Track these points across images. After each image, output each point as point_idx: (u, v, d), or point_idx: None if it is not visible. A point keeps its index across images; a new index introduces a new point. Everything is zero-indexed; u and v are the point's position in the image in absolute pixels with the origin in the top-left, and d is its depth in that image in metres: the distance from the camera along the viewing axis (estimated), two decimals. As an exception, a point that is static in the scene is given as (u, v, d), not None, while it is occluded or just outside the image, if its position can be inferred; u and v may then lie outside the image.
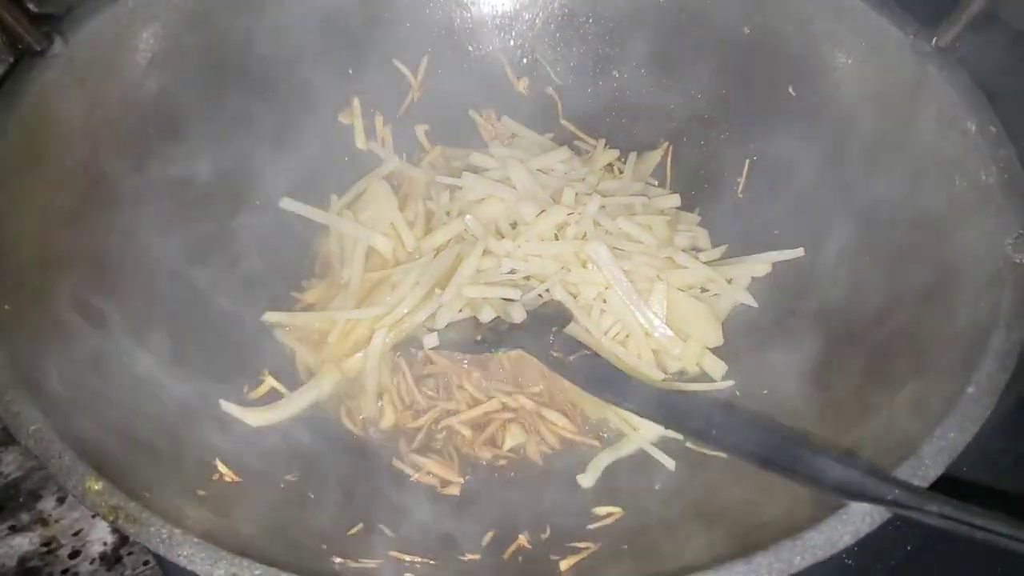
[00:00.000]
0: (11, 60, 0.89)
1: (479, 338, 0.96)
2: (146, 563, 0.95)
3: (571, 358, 0.92)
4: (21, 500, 0.98)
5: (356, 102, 1.13)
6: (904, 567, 0.89)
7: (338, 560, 0.76)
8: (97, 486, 0.64)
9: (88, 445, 0.68)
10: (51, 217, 0.85)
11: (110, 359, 0.81)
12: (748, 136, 1.08)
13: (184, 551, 0.62)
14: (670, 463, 0.91)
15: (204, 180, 1.00)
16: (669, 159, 1.14)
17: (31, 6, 1.13)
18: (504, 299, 0.98)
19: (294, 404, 0.94)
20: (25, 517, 0.97)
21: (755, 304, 1.02)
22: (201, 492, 0.78)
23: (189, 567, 0.63)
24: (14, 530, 0.96)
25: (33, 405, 0.68)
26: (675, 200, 1.09)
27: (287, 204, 1.06)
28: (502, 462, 0.95)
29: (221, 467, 0.82)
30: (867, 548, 0.87)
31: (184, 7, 0.97)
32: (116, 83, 0.94)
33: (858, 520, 0.64)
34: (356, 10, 1.09)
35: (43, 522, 0.97)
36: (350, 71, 1.12)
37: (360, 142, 1.14)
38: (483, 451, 0.94)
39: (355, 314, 0.99)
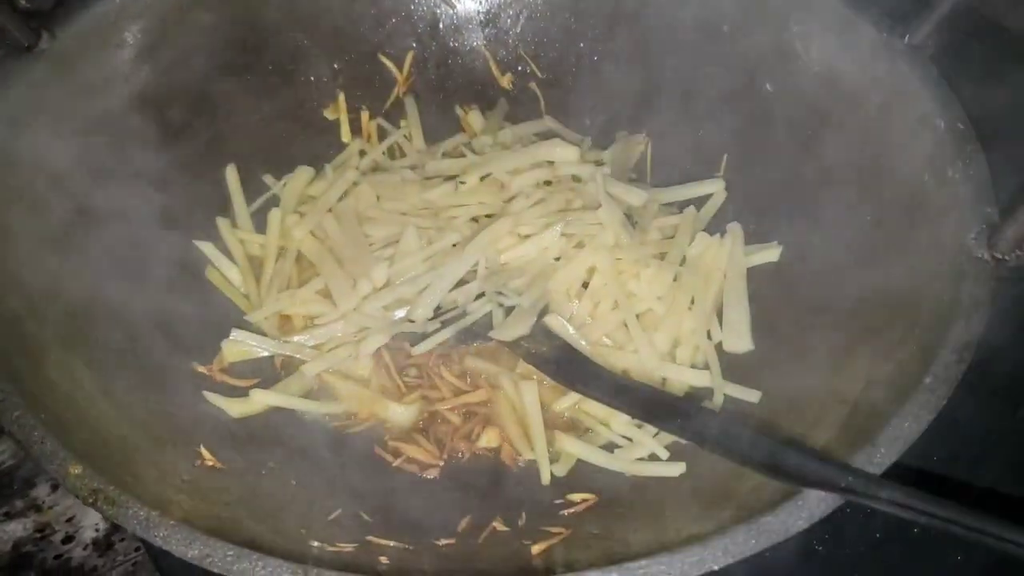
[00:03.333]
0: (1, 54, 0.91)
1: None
2: (137, 549, 0.97)
3: (544, 349, 0.94)
4: (15, 487, 1.00)
5: (341, 97, 1.15)
6: (871, 554, 0.91)
7: (316, 544, 0.78)
8: (77, 470, 0.67)
9: (71, 431, 0.71)
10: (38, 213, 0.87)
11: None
12: (727, 131, 1.09)
13: (160, 532, 0.65)
14: (664, 453, 0.91)
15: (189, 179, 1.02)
16: (649, 153, 1.15)
17: (22, 1, 1.15)
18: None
19: (274, 396, 0.95)
20: (19, 504, 0.99)
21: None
22: (186, 477, 0.80)
23: (165, 548, 0.65)
24: (8, 516, 0.98)
25: (17, 392, 0.70)
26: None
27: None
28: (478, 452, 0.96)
29: (204, 453, 0.84)
30: (835, 534, 0.90)
31: (171, 3, 0.99)
32: (103, 78, 0.96)
33: (812, 506, 0.66)
34: (342, 6, 1.11)
35: (37, 508, 0.99)
36: (336, 66, 1.14)
37: (346, 137, 1.16)
38: (460, 444, 0.96)
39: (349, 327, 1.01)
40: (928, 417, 0.70)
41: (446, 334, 0.98)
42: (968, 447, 0.91)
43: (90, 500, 0.65)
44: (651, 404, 0.82)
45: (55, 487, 1.01)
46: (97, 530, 0.98)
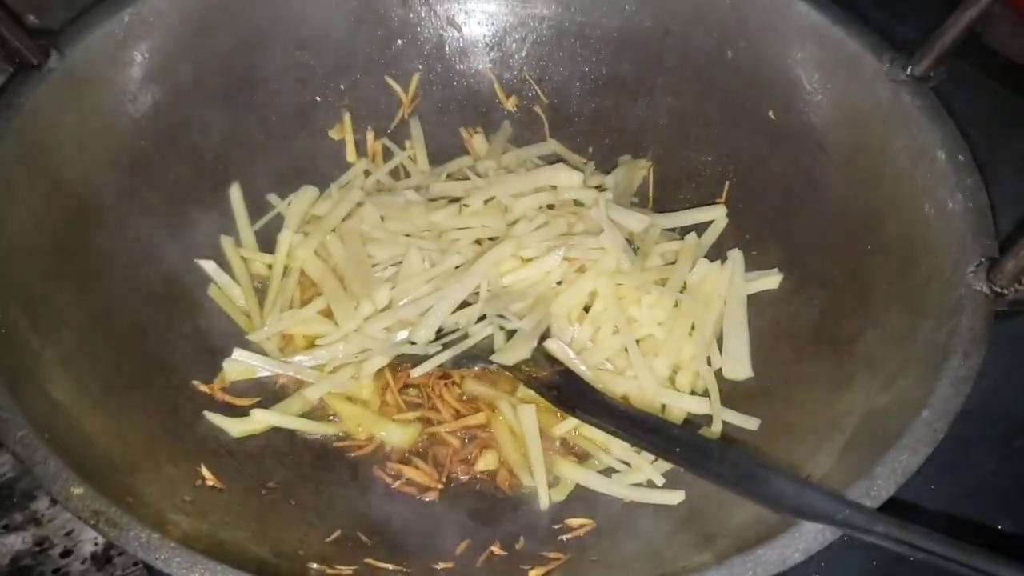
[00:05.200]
0: (10, 72, 0.91)
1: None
2: (136, 564, 0.97)
3: (544, 373, 0.94)
4: (15, 500, 1.00)
5: (347, 118, 1.16)
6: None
7: (314, 566, 0.78)
8: (79, 490, 0.67)
9: (74, 451, 0.71)
10: (44, 229, 0.87)
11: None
12: (729, 158, 1.10)
13: (161, 555, 0.65)
14: (660, 480, 0.92)
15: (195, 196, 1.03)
16: (651, 178, 1.16)
17: (31, 17, 1.16)
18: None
19: (275, 416, 0.96)
20: (18, 517, 0.99)
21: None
22: (187, 497, 0.81)
23: (167, 570, 0.65)
24: (7, 529, 0.98)
25: (20, 411, 0.70)
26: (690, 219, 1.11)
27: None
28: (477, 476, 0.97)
29: (205, 472, 0.85)
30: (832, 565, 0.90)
31: (179, 22, 0.99)
32: (111, 97, 0.96)
33: (809, 538, 0.66)
34: (348, 27, 1.11)
35: (36, 522, 0.99)
36: (342, 87, 1.14)
37: (351, 157, 1.16)
38: (458, 468, 0.96)
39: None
40: (926, 450, 0.70)
41: (447, 355, 0.98)
42: (965, 481, 0.91)
43: (92, 521, 0.66)
44: (650, 432, 0.82)
45: (55, 501, 1.00)
46: (96, 544, 0.98)
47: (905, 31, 0.98)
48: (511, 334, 0.98)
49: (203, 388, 0.96)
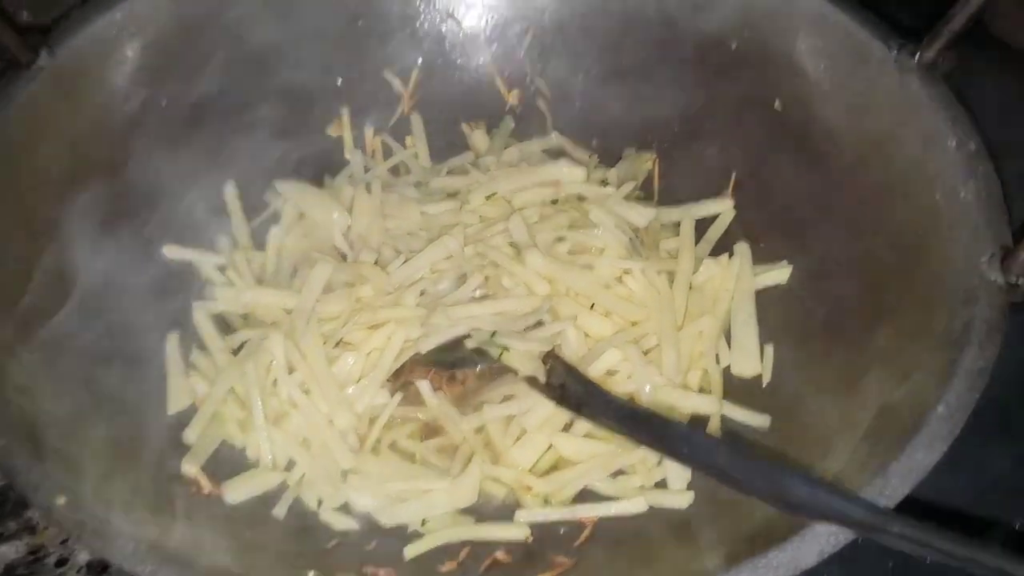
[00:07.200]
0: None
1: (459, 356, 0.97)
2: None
3: (549, 372, 0.92)
4: (9, 508, 0.99)
5: (345, 114, 1.14)
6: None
7: (312, 573, 0.77)
8: (62, 501, 0.65)
9: (57, 458, 0.69)
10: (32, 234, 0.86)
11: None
12: (735, 149, 1.08)
13: (148, 567, 0.63)
14: (678, 482, 0.90)
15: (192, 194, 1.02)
16: (656, 171, 1.14)
17: (25, 14, 1.14)
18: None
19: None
20: (12, 525, 0.97)
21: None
22: (178, 503, 0.79)
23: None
24: (1, 538, 0.96)
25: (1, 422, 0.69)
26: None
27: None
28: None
29: (202, 480, 0.83)
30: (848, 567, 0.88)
31: (171, 20, 0.98)
32: (102, 95, 0.95)
33: (823, 540, 0.64)
34: (346, 22, 1.10)
35: (31, 530, 0.97)
36: (339, 82, 1.13)
37: (349, 153, 1.15)
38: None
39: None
40: (941, 447, 0.68)
41: (450, 333, 0.96)
42: (978, 477, 0.89)
43: (76, 533, 0.64)
44: (657, 431, 0.80)
45: (48, 509, 0.99)
46: (92, 553, 0.96)
47: (913, 18, 0.95)
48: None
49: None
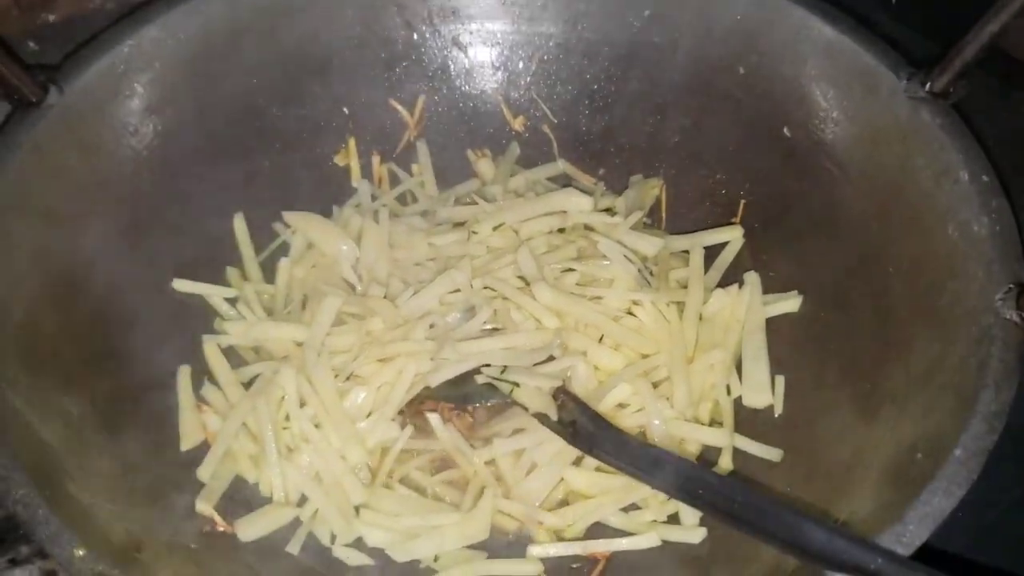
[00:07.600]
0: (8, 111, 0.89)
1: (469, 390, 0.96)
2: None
3: (561, 411, 0.92)
4: (21, 532, 0.98)
5: (352, 142, 1.13)
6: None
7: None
8: (81, 552, 0.65)
9: (76, 505, 0.69)
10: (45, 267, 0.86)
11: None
12: (743, 177, 1.08)
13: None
14: (689, 518, 0.90)
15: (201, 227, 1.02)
16: (664, 198, 1.14)
17: (31, 43, 1.14)
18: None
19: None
20: (24, 550, 0.96)
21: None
22: (193, 545, 0.79)
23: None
24: (14, 563, 0.95)
25: (21, 470, 0.68)
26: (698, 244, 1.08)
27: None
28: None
29: (216, 517, 0.83)
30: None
31: (178, 54, 0.97)
32: (111, 131, 0.94)
33: (840, 587, 0.64)
34: (351, 51, 1.09)
35: (42, 555, 0.97)
36: (346, 111, 1.12)
37: (356, 182, 1.14)
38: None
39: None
40: (959, 492, 0.67)
41: (459, 368, 0.95)
42: (996, 526, 0.88)
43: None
44: (670, 472, 0.79)
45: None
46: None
47: (930, 46, 0.94)
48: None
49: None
